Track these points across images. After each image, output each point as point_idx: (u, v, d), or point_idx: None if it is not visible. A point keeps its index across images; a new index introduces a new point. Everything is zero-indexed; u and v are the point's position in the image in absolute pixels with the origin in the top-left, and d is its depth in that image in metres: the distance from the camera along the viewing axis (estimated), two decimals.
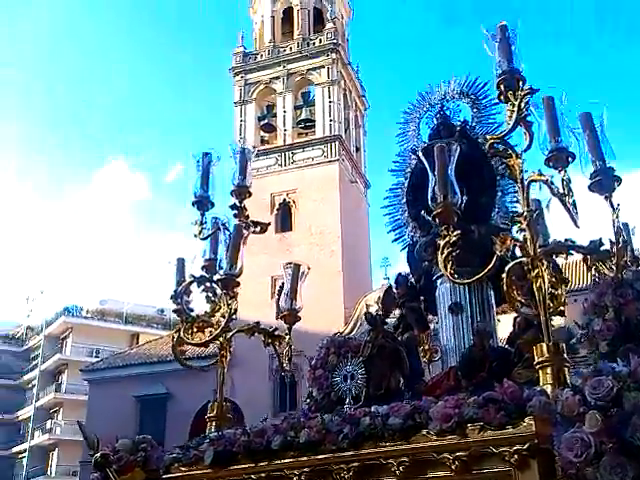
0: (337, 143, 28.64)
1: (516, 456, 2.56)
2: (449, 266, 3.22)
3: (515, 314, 3.99)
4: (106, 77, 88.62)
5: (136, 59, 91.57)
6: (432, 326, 4.99)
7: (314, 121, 29.41)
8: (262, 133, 30.55)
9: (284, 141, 29.32)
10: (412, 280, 4.95)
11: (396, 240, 5.26)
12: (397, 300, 4.81)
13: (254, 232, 4.28)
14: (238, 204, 4.29)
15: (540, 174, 3.21)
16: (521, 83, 3.36)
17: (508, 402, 2.66)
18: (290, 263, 4.36)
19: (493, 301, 4.59)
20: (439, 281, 4.66)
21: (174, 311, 4.23)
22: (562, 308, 3.28)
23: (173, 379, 24.59)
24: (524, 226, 3.22)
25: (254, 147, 4.47)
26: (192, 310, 4.23)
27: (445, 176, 3.39)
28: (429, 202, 3.39)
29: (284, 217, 28.06)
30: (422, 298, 4.90)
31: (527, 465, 2.55)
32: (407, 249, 5.16)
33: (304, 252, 25.98)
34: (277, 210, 28.01)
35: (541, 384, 2.89)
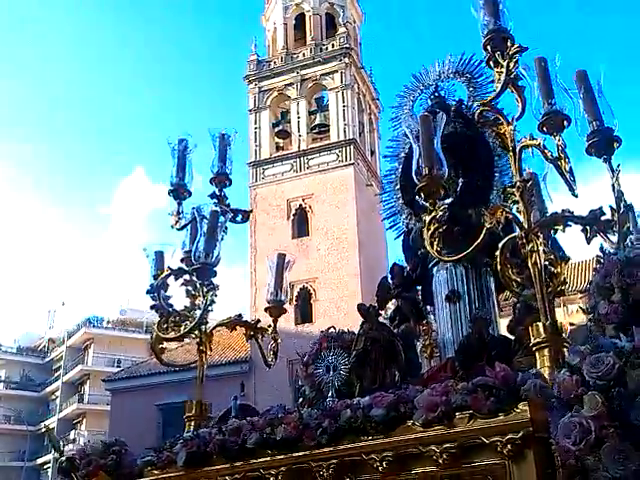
0: (352, 147, 28.40)
1: (509, 446, 2.26)
2: (435, 244, 2.93)
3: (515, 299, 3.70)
4: (129, 89, 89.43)
5: (149, 68, 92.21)
6: (432, 317, 4.68)
7: (328, 126, 29.19)
8: (277, 139, 30.40)
9: (299, 147, 29.14)
10: (408, 269, 4.66)
11: (390, 228, 4.98)
12: (392, 291, 4.53)
13: (233, 221, 4.01)
14: (217, 192, 4.03)
15: (532, 138, 2.91)
16: (509, 43, 3.06)
17: (500, 387, 2.37)
18: (268, 255, 4.09)
19: (493, 288, 4.27)
20: (435, 269, 4.37)
21: (151, 307, 3.98)
22: (562, 287, 2.98)
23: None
24: (517, 197, 2.93)
25: (236, 132, 4.19)
26: (171, 306, 3.98)
27: (430, 147, 3.11)
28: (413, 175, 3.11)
29: (300, 222, 27.85)
30: (419, 288, 4.61)
31: (522, 456, 2.25)
32: (402, 237, 4.87)
33: (321, 256, 25.81)
34: (293, 216, 27.86)
35: (538, 367, 2.60)
